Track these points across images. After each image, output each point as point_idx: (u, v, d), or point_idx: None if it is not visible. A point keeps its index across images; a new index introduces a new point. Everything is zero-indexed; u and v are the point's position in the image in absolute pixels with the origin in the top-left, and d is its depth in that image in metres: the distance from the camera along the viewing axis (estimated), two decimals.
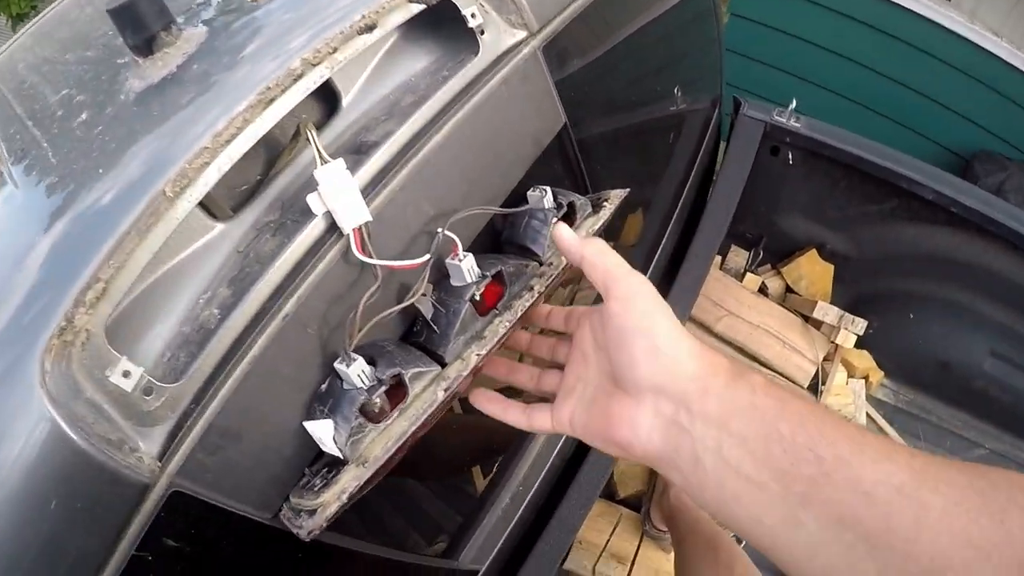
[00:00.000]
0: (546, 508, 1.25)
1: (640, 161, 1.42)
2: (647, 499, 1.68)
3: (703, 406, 0.44)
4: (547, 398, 0.63)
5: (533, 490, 1.21)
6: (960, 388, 1.98)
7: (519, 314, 0.69)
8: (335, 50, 0.63)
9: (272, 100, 0.60)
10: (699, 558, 1.29)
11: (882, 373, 2.04)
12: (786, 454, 0.40)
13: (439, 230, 0.66)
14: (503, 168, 0.79)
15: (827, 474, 0.38)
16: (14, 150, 0.84)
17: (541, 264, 0.75)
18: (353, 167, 0.63)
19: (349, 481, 0.59)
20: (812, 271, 2.05)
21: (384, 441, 0.60)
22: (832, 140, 1.76)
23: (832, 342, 1.97)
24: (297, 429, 0.63)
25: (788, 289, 2.09)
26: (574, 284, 1.27)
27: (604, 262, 0.54)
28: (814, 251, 2.05)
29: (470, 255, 0.67)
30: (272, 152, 0.70)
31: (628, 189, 0.88)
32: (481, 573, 1.12)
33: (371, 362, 0.62)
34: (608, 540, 1.66)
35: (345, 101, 0.72)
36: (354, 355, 0.60)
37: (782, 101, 1.78)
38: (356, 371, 0.60)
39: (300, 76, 0.61)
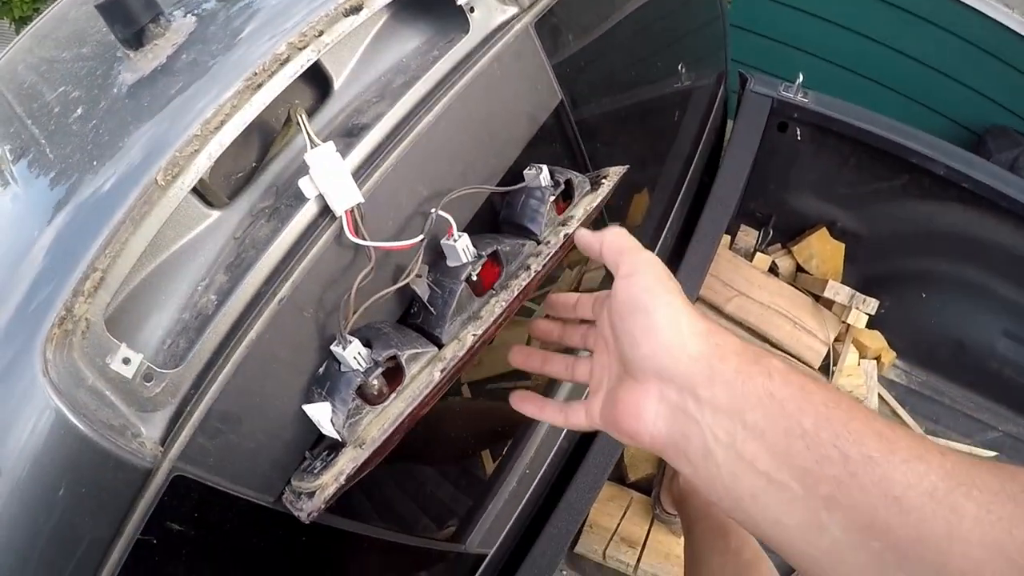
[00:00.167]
0: (554, 491, 1.25)
1: (644, 139, 1.41)
2: (657, 483, 1.67)
3: (712, 393, 0.40)
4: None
5: (541, 473, 1.21)
6: (973, 369, 1.95)
7: (516, 293, 0.69)
8: (321, 33, 0.63)
9: (260, 85, 0.60)
10: (709, 543, 1.29)
11: (894, 354, 2.02)
12: (809, 451, 0.37)
13: (433, 210, 0.65)
14: (498, 147, 0.79)
15: (854, 474, 0.35)
16: (15, 149, 0.85)
17: (538, 243, 0.75)
18: (344, 150, 0.63)
19: (347, 463, 0.59)
20: (823, 250, 2.03)
21: (381, 423, 0.61)
22: (841, 115, 1.73)
23: (843, 322, 1.95)
24: (296, 412, 0.64)
25: (799, 268, 2.07)
26: (581, 265, 1.27)
27: (619, 243, 0.51)
28: (824, 229, 2.02)
29: (465, 235, 0.66)
30: (266, 139, 0.70)
31: (627, 166, 0.87)
32: (489, 557, 1.12)
33: (367, 344, 0.62)
34: (618, 524, 1.66)
35: (336, 85, 0.71)
36: (350, 337, 0.60)
37: (790, 77, 1.75)
38: (352, 353, 0.60)
39: (287, 60, 0.61)
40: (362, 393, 0.61)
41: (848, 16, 3.12)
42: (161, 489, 0.59)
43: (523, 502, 1.18)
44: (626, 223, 1.35)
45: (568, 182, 0.78)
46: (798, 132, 1.81)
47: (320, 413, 0.58)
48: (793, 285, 2.03)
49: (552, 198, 0.75)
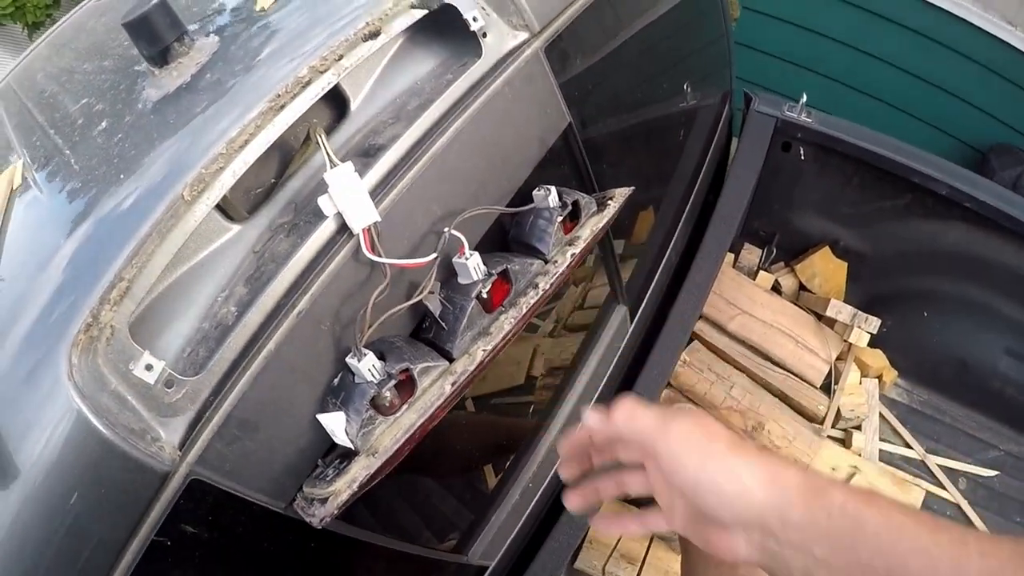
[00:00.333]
0: (556, 506, 1.27)
1: (649, 159, 1.43)
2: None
3: (785, 535, 0.46)
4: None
5: (543, 488, 1.23)
6: (975, 388, 1.95)
7: (524, 311, 0.71)
8: (341, 57, 0.65)
9: (282, 107, 0.63)
10: (704, 559, 1.29)
11: (896, 372, 2.02)
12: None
13: (446, 230, 0.68)
14: (508, 168, 0.81)
15: None
16: (37, 157, 0.88)
17: (546, 262, 0.77)
18: (362, 170, 0.66)
19: (360, 470, 0.61)
20: (826, 269, 2.04)
21: (394, 432, 0.63)
22: (844, 135, 1.74)
23: (845, 341, 1.95)
24: (311, 421, 0.66)
25: (801, 287, 2.08)
26: (586, 282, 1.29)
27: (636, 428, 0.52)
28: (827, 248, 2.03)
29: (476, 254, 0.69)
30: (285, 156, 0.73)
31: (633, 188, 0.89)
32: (491, 569, 1.13)
33: (381, 357, 0.64)
34: (618, 540, 1.67)
35: (353, 106, 0.74)
36: (365, 350, 0.62)
37: (795, 95, 1.77)
38: (367, 366, 0.62)
39: (308, 83, 0.64)
40: (375, 404, 0.63)
41: (853, 35, 3.14)
42: (178, 492, 0.61)
43: (525, 516, 1.19)
44: (631, 241, 1.37)
45: (575, 203, 0.80)
46: (802, 152, 1.83)
47: (335, 422, 0.60)
48: (796, 304, 2.04)
49: (560, 219, 0.78)
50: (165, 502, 0.61)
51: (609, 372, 1.36)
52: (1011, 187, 2.74)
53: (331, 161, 0.63)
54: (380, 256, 0.63)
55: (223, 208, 0.67)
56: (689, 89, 1.49)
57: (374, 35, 0.67)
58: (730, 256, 2.09)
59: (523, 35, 0.81)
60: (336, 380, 0.66)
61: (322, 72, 0.65)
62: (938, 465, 1.85)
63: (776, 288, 2.10)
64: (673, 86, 1.44)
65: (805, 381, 1.89)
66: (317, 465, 0.69)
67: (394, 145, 0.68)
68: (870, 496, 0.45)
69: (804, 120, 1.76)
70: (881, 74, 3.22)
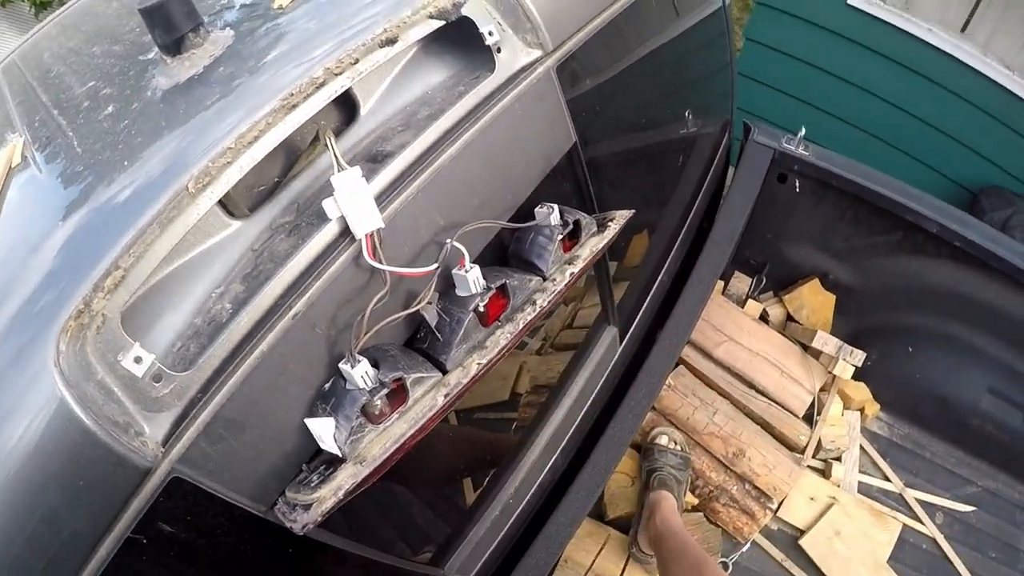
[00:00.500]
0: (534, 523, 1.26)
1: (649, 182, 1.44)
2: (635, 522, 1.68)
3: None
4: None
5: (523, 504, 1.23)
6: (956, 424, 1.97)
7: (520, 327, 0.71)
8: (357, 61, 0.65)
9: (294, 106, 0.63)
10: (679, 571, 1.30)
11: (878, 406, 2.04)
12: None
13: (448, 241, 0.68)
14: (512, 184, 0.81)
15: None
16: (39, 136, 0.86)
17: (544, 279, 0.77)
18: (368, 175, 0.65)
19: (346, 478, 0.60)
20: (814, 300, 2.06)
21: (383, 442, 0.62)
22: (839, 170, 1.76)
23: (830, 372, 1.97)
24: (299, 425, 0.65)
25: (789, 317, 2.09)
26: (576, 302, 1.29)
27: None
28: (817, 280, 2.05)
29: (476, 267, 0.69)
30: (290, 155, 0.72)
31: (634, 211, 0.90)
32: None
33: (375, 365, 0.64)
34: (594, 560, 1.66)
35: (363, 110, 0.74)
36: (359, 357, 0.62)
37: (793, 128, 1.79)
38: (360, 372, 0.62)
39: (322, 84, 0.64)
40: (366, 412, 0.62)
41: (854, 72, 3.19)
42: (158, 489, 0.60)
43: (503, 532, 1.19)
44: (625, 262, 1.38)
45: (577, 223, 0.81)
46: (797, 184, 1.85)
47: (323, 428, 0.60)
48: (783, 334, 2.06)
49: (560, 237, 0.78)
50: (144, 498, 0.60)
51: (596, 392, 1.36)
52: (1000, 228, 2.78)
53: (339, 165, 0.63)
54: (381, 263, 0.63)
55: (224, 204, 0.67)
56: (691, 116, 1.50)
57: (391, 42, 0.67)
58: (720, 283, 2.10)
59: (536, 52, 0.81)
60: (327, 385, 0.65)
61: (337, 75, 0.64)
62: (916, 499, 1.87)
63: (764, 317, 2.12)
64: (676, 112, 1.45)
65: (788, 410, 1.90)
66: (302, 470, 0.68)
67: (402, 153, 0.68)
68: None
69: (801, 153, 1.78)
70: (879, 112, 3.27)
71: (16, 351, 0.58)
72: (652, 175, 1.44)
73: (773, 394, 1.91)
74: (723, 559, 1.68)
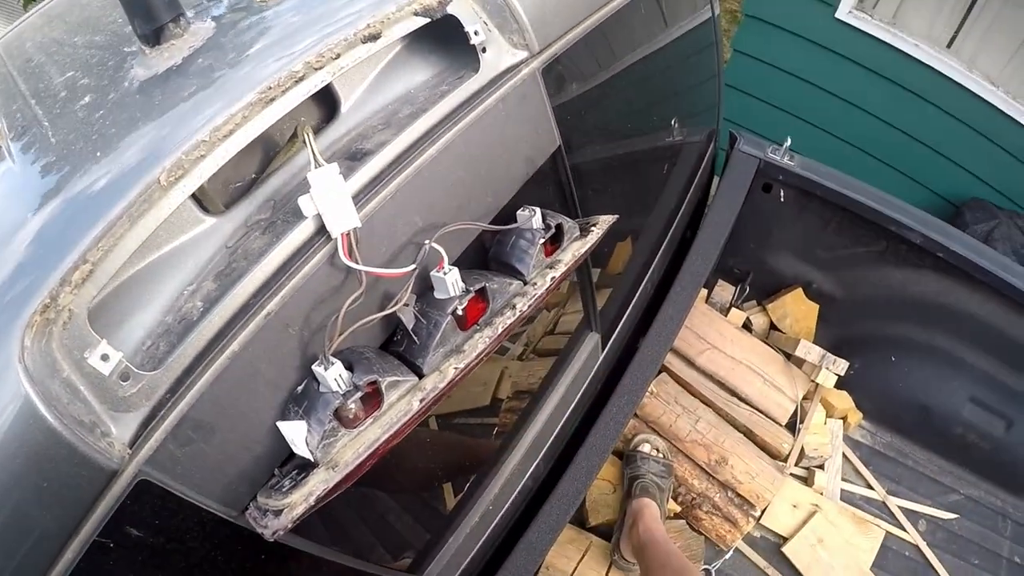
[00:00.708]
0: (515, 530, 1.25)
1: (633, 189, 1.44)
2: (617, 529, 1.67)
3: None
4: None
5: (503, 511, 1.21)
6: (938, 433, 1.99)
7: (500, 331, 0.70)
8: (338, 56, 0.64)
9: (272, 100, 0.61)
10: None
11: (860, 414, 2.05)
12: None
13: (426, 242, 0.67)
14: (494, 186, 0.80)
15: None
16: (15, 126, 0.84)
17: (525, 283, 0.76)
18: (346, 173, 0.64)
19: (317, 484, 0.59)
20: (797, 309, 2.07)
21: (356, 447, 0.61)
22: (824, 180, 1.77)
23: (813, 381, 1.98)
24: (271, 428, 0.64)
25: (772, 326, 2.10)
26: (559, 308, 1.28)
27: None
28: (800, 290, 2.06)
29: (455, 269, 0.68)
30: (269, 152, 0.71)
31: (617, 216, 0.89)
32: None
33: (349, 367, 0.62)
34: (576, 568, 1.64)
35: (344, 107, 0.73)
36: (333, 359, 0.61)
37: (778, 139, 1.80)
38: (333, 375, 0.60)
39: (302, 78, 0.62)
40: (339, 415, 0.61)
41: (841, 85, 3.23)
42: (124, 492, 0.58)
43: (483, 538, 1.17)
44: (608, 269, 1.37)
45: (559, 227, 0.80)
46: (782, 193, 1.85)
47: (295, 432, 0.58)
48: (766, 342, 2.06)
49: (542, 241, 0.77)
50: (111, 501, 0.58)
51: (577, 398, 1.36)
52: (983, 240, 2.82)
53: (316, 161, 0.62)
54: (357, 263, 0.62)
55: (200, 199, 0.65)
56: (677, 124, 1.51)
57: (374, 37, 0.66)
58: (704, 292, 2.10)
59: (522, 54, 0.81)
60: (300, 388, 0.64)
61: (317, 69, 0.63)
62: (899, 507, 1.88)
63: (747, 326, 2.12)
64: (662, 120, 1.45)
65: (771, 418, 1.91)
66: (274, 474, 0.66)
67: (381, 151, 0.67)
68: None
69: (786, 163, 1.79)
70: (865, 125, 3.31)
71: None
72: (637, 182, 1.44)
73: (756, 402, 1.91)
74: (706, 566, 1.68)
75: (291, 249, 0.62)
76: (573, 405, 1.34)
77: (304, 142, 0.65)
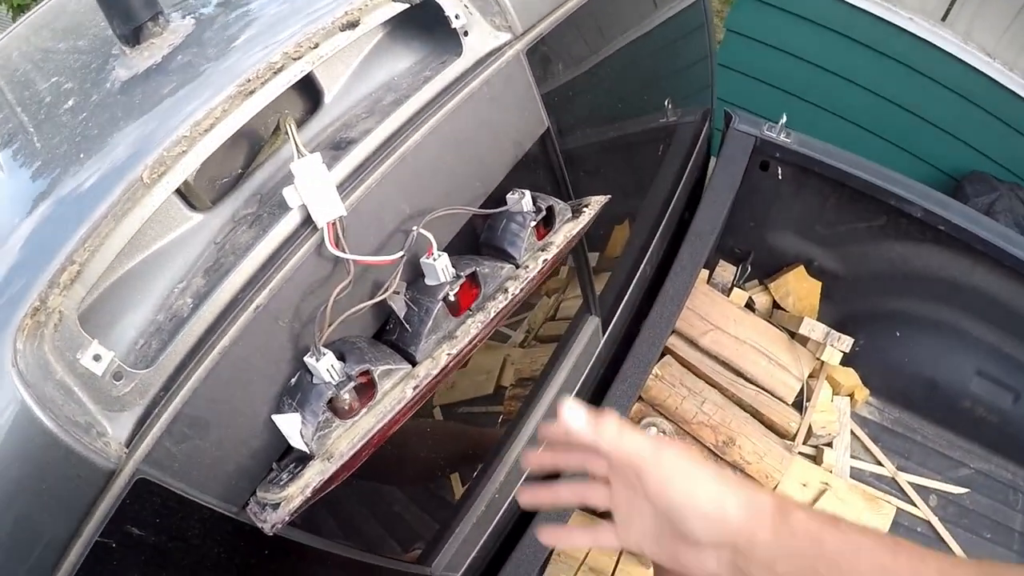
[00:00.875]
0: (523, 518, 1.25)
1: (627, 171, 1.43)
2: None
3: (752, 553, 0.49)
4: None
5: (510, 499, 1.21)
6: (946, 407, 1.98)
7: (492, 316, 0.70)
8: (316, 45, 0.64)
9: (252, 92, 0.61)
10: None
11: (867, 391, 2.04)
12: None
13: (414, 228, 0.66)
14: (483, 170, 0.80)
15: None
16: (1, 135, 0.85)
17: (517, 267, 0.76)
18: (330, 162, 0.64)
19: (313, 476, 0.59)
20: (799, 287, 2.06)
21: (351, 437, 0.60)
22: (822, 156, 1.76)
23: (818, 359, 1.97)
24: (266, 422, 0.64)
25: (775, 305, 2.09)
26: (559, 294, 1.28)
27: (624, 448, 0.54)
28: (802, 267, 2.05)
29: (445, 255, 0.67)
30: (253, 146, 0.70)
31: (609, 196, 0.89)
32: None
33: (341, 358, 0.62)
34: (587, 554, 1.65)
35: (328, 98, 0.72)
36: (324, 350, 0.60)
37: (775, 118, 1.79)
38: (325, 366, 0.60)
39: (281, 69, 0.62)
40: (333, 406, 0.61)
41: (836, 61, 3.20)
42: (123, 491, 0.58)
43: (491, 527, 1.17)
44: (606, 253, 1.36)
45: (550, 208, 0.79)
46: (779, 171, 1.84)
47: (289, 424, 0.58)
48: (769, 321, 2.05)
49: (533, 223, 0.77)
50: (110, 501, 0.58)
51: (580, 384, 1.35)
52: (984, 212, 2.79)
53: (299, 151, 0.61)
54: (344, 252, 0.62)
55: (186, 196, 0.65)
56: (670, 105, 1.49)
57: (352, 25, 0.66)
58: (704, 272, 2.09)
59: (505, 36, 0.80)
60: (293, 380, 0.64)
61: (296, 59, 0.63)
62: (909, 482, 1.87)
63: (750, 305, 2.11)
64: (655, 100, 1.44)
65: (777, 398, 1.90)
66: (272, 468, 0.66)
67: (365, 139, 0.67)
68: (832, 518, 0.48)
69: (783, 140, 1.77)
70: (861, 100, 3.28)
71: None
72: (631, 164, 1.43)
73: (761, 382, 1.90)
74: None
75: (278, 241, 0.62)
76: (576, 390, 1.33)
77: (287, 133, 0.64)
